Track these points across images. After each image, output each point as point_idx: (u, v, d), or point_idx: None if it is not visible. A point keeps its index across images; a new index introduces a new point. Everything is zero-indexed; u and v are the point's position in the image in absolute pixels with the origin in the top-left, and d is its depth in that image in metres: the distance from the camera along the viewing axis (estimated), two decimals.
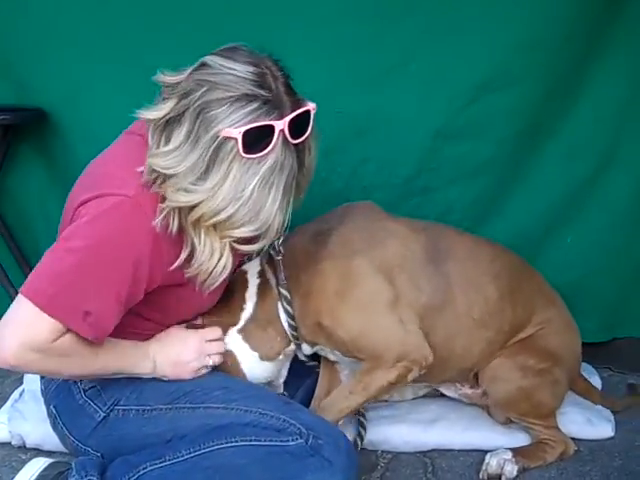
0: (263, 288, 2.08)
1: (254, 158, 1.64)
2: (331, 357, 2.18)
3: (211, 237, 1.71)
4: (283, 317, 2.05)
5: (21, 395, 2.42)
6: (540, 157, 2.69)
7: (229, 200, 1.65)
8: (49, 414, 2.01)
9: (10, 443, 2.27)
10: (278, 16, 2.51)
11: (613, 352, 2.74)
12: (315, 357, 2.27)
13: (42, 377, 2.04)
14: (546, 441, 2.21)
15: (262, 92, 1.66)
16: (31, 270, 2.42)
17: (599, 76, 2.58)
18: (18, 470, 2.05)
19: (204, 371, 1.95)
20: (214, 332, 2.00)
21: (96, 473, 1.82)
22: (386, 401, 2.36)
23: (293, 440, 1.77)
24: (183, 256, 1.74)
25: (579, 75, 2.58)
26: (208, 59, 1.69)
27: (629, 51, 2.55)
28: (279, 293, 2.04)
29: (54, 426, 2.01)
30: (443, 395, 2.40)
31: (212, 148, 1.63)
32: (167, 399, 1.87)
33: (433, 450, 2.25)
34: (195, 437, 1.80)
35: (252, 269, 2.11)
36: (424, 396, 2.44)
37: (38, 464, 1.91)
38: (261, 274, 2.09)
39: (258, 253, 2.08)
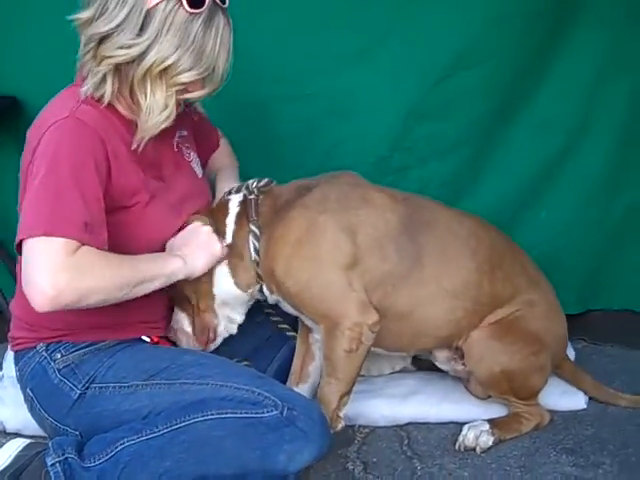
0: (240, 219, 2.12)
1: (195, 12, 1.83)
2: (291, 311, 2.20)
3: (158, 88, 1.86)
4: (251, 252, 2.09)
5: (0, 380, 2.43)
6: (512, 133, 2.72)
7: (174, 47, 1.83)
8: (26, 399, 2.03)
9: None
10: None
11: (587, 324, 2.78)
12: (294, 327, 2.33)
13: (16, 363, 2.06)
14: (522, 414, 2.25)
15: None
16: (9, 257, 2.55)
17: (568, 51, 2.61)
18: None
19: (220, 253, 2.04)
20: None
21: (73, 451, 1.84)
22: (363, 376, 2.38)
23: (268, 412, 1.79)
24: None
25: (548, 51, 2.61)
26: None
27: (598, 25, 2.57)
28: (249, 229, 2.10)
29: (31, 410, 2.04)
30: (420, 369, 2.45)
31: (144, 7, 1.81)
32: (143, 375, 1.90)
33: (409, 423, 2.29)
34: (171, 412, 1.83)
35: (235, 199, 2.16)
36: (401, 371, 2.48)
37: (16, 444, 1.93)
38: (241, 205, 2.14)
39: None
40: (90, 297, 1.77)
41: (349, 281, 2.05)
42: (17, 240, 1.76)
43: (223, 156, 2.45)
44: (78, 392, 1.92)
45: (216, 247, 2.04)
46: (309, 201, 2.11)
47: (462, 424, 2.23)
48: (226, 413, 1.81)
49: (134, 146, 1.90)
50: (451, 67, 2.61)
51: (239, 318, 2.19)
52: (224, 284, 2.12)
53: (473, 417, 2.26)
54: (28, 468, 1.85)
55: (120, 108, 1.95)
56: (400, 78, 2.65)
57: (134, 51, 1.81)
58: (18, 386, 2.10)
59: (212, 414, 1.81)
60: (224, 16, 1.89)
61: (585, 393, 2.38)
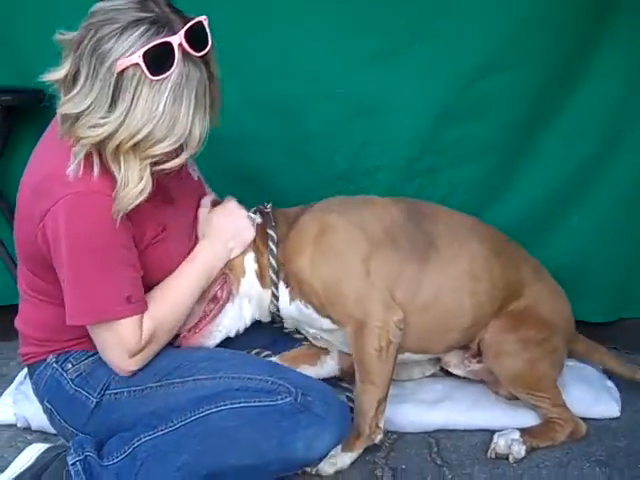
0: (261, 228, 2.16)
1: (161, 79, 1.67)
2: (311, 332, 2.22)
3: (131, 162, 1.73)
4: (270, 259, 2.12)
5: (25, 377, 2.40)
6: (544, 138, 2.67)
7: (145, 121, 1.68)
8: (45, 410, 2.02)
9: (16, 425, 2.27)
10: None
11: (620, 332, 2.74)
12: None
13: (31, 377, 2.04)
14: (554, 420, 2.20)
15: (146, 14, 1.69)
16: (9, 257, 2.57)
17: (602, 57, 2.56)
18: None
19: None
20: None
21: (93, 450, 1.84)
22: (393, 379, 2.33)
23: (282, 399, 1.78)
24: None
25: (582, 56, 2.57)
26: (94, 7, 1.74)
27: (631, 31, 2.52)
28: (268, 234, 2.13)
29: (52, 421, 2.02)
30: (449, 375, 2.40)
31: (112, 81, 1.67)
32: (156, 377, 1.89)
33: (438, 430, 2.25)
34: (186, 406, 1.81)
35: (251, 211, 2.18)
36: (431, 376, 2.44)
37: (37, 447, 1.93)
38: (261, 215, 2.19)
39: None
40: (171, 336, 1.94)
41: (370, 276, 2.08)
42: (69, 322, 1.81)
43: None
44: (95, 400, 1.91)
45: (251, 233, 2.08)
46: (316, 209, 2.20)
47: (492, 432, 2.19)
48: (239, 403, 1.79)
49: (115, 217, 1.76)
50: (483, 69, 2.57)
51: (247, 318, 2.16)
52: (249, 274, 2.13)
53: (503, 425, 2.22)
54: (49, 469, 1.85)
55: None
56: (431, 79, 2.61)
57: (105, 130, 1.69)
58: None
59: (225, 405, 1.80)
60: (197, 68, 1.72)
61: (602, 366, 2.42)
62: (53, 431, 2.12)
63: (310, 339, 2.27)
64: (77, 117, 1.71)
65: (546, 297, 2.28)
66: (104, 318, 1.80)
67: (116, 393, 1.90)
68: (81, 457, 1.83)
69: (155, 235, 1.91)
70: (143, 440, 1.81)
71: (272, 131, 2.56)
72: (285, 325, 2.22)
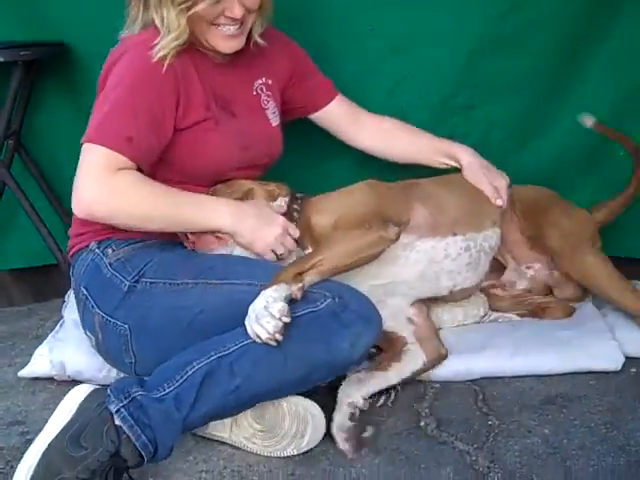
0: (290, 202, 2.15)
1: None
2: None
3: (170, 8, 1.96)
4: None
5: (61, 326, 2.42)
6: (584, 67, 2.57)
7: None
8: (79, 300, 2.07)
9: (51, 387, 2.25)
10: None
11: None
12: None
13: (72, 269, 2.12)
14: None
15: None
16: (60, 205, 2.76)
17: None
18: None
19: (270, 256, 2.02)
20: (295, 230, 2.07)
21: (138, 388, 1.77)
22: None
23: (322, 303, 1.82)
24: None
25: None
26: None
27: None
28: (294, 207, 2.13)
29: (84, 309, 2.05)
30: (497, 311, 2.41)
31: None
32: (192, 273, 1.93)
33: (483, 378, 2.17)
34: (238, 331, 1.80)
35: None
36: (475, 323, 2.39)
37: (74, 398, 1.82)
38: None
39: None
40: (120, 217, 1.91)
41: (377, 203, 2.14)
42: (82, 142, 1.92)
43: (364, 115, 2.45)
44: (127, 284, 1.95)
45: (270, 241, 2.02)
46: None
47: (539, 377, 2.13)
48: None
49: (154, 57, 1.95)
50: None
51: None
52: None
53: (551, 368, 2.16)
54: (88, 427, 1.75)
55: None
56: (465, 11, 2.51)
57: None
58: (80, 326, 2.13)
59: None
60: None
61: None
62: (88, 376, 2.16)
63: None
64: None
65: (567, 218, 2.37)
66: (96, 141, 1.89)
67: (152, 282, 1.94)
68: (125, 402, 1.74)
69: (198, 121, 2.02)
70: (197, 366, 1.77)
71: None
72: None
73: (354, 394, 1.96)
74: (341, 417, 1.92)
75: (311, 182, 2.32)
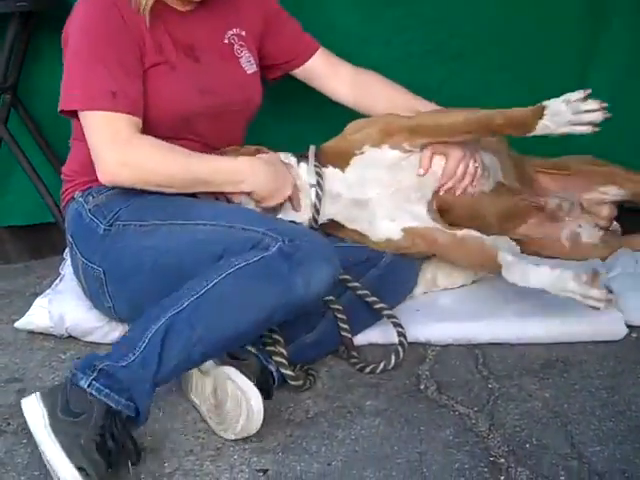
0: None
1: None
2: None
3: None
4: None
5: (61, 280, 2.41)
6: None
7: None
8: (70, 248, 2.16)
9: (49, 344, 2.25)
10: None
11: None
12: None
13: (65, 218, 2.19)
14: None
15: None
16: (57, 162, 2.70)
17: None
18: (59, 370, 2.10)
19: (283, 198, 2.09)
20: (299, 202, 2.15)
21: (103, 359, 1.74)
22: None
23: (273, 246, 1.83)
24: None
25: None
26: None
27: None
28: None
29: (72, 257, 2.16)
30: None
31: None
32: (162, 215, 1.98)
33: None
34: (192, 284, 1.82)
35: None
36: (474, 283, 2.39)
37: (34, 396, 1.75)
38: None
39: None
40: (143, 184, 1.97)
41: None
42: (60, 108, 2.01)
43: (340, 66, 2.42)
44: (103, 227, 2.02)
45: (284, 192, 2.09)
46: None
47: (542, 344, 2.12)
48: (239, 264, 1.81)
49: (140, 10, 2.00)
50: None
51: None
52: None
53: (551, 336, 2.14)
54: (69, 401, 1.70)
55: None
56: None
57: None
58: (76, 280, 2.19)
59: (225, 271, 1.81)
60: None
61: None
62: (87, 326, 2.21)
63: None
64: None
65: None
66: (88, 106, 1.95)
67: (125, 225, 2.00)
68: (94, 374, 1.72)
69: (153, 64, 2.04)
70: (155, 329, 1.76)
71: (299, 22, 2.40)
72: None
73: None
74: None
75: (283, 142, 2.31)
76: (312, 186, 2.15)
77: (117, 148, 1.93)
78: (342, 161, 2.19)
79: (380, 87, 2.39)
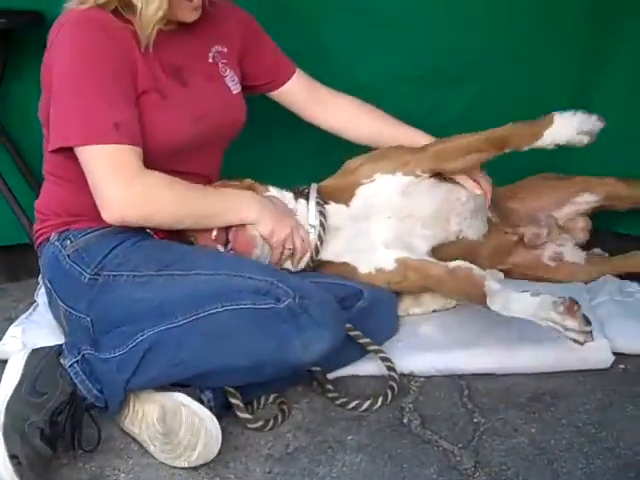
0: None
1: None
2: None
3: None
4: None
5: (35, 309, 2.39)
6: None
7: None
8: (47, 292, 2.09)
9: None
10: None
11: None
12: None
13: (40, 259, 2.10)
14: None
15: None
16: (35, 182, 2.63)
17: None
18: None
19: (279, 251, 2.04)
20: (304, 231, 2.11)
21: (89, 347, 1.82)
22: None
23: (282, 301, 1.78)
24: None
25: None
26: None
27: None
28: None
29: (50, 303, 2.09)
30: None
31: None
32: (157, 266, 1.91)
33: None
34: (190, 303, 1.81)
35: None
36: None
37: (18, 358, 1.83)
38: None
39: None
40: (152, 223, 1.93)
41: None
42: (55, 146, 1.90)
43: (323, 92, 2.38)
44: (87, 276, 1.94)
45: (288, 232, 2.05)
46: None
47: (528, 375, 2.08)
48: (245, 304, 1.78)
49: (142, 46, 1.94)
50: None
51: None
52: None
53: (536, 366, 2.09)
54: (40, 377, 1.78)
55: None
56: None
57: None
58: (52, 315, 2.13)
59: (230, 305, 1.78)
60: None
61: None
62: None
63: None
64: None
65: None
66: (88, 141, 1.85)
67: (115, 275, 1.92)
68: (78, 357, 1.79)
69: (145, 90, 1.96)
70: (146, 334, 1.79)
71: (291, 44, 2.38)
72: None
73: None
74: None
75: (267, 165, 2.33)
76: (312, 226, 2.11)
77: (123, 185, 1.85)
78: (346, 195, 2.17)
79: (361, 113, 2.36)
